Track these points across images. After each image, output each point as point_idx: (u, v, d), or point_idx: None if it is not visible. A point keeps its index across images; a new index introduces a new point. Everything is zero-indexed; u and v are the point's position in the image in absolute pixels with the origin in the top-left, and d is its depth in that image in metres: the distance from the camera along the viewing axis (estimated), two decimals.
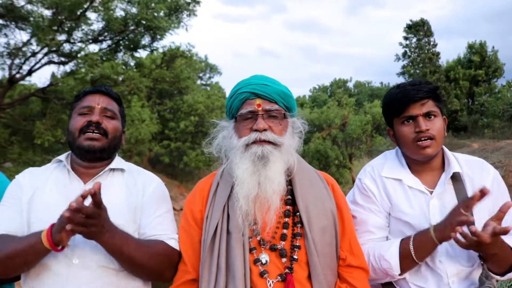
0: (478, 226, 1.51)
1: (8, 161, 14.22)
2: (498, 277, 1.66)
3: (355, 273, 1.62)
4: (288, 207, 1.63)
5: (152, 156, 25.48)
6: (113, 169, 1.78)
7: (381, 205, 1.82)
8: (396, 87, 1.82)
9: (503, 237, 1.54)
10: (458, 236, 1.49)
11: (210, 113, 23.38)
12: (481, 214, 1.63)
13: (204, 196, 1.68)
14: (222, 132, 1.72)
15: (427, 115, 1.73)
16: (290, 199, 1.64)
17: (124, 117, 1.88)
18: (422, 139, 1.71)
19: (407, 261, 1.65)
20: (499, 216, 1.51)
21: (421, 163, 1.80)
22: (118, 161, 1.82)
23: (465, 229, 1.50)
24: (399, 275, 1.68)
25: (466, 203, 1.52)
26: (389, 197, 1.81)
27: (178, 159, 23.93)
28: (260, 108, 1.58)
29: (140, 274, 1.65)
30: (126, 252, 1.53)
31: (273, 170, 1.55)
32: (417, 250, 1.63)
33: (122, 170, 1.80)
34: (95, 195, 1.38)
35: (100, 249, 1.54)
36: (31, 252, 1.48)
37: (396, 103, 1.76)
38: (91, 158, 1.72)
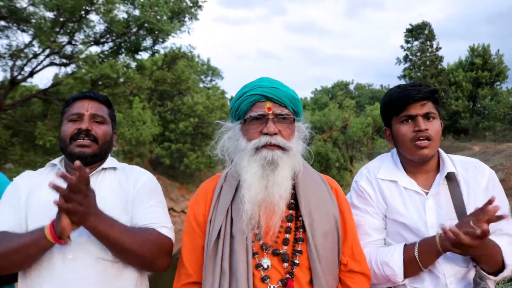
0: None
1: (9, 162, 14.25)
2: (492, 277, 1.65)
3: (357, 278, 1.61)
4: (291, 211, 1.61)
5: (153, 157, 25.51)
6: (105, 168, 1.82)
7: (377, 206, 1.83)
8: (396, 87, 1.85)
9: (491, 236, 1.55)
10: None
11: (209, 113, 23.38)
12: None
13: (207, 199, 1.66)
14: (226, 133, 1.69)
15: (426, 115, 1.75)
16: (293, 203, 1.62)
17: (114, 118, 1.91)
18: (420, 138, 1.72)
19: (411, 268, 1.66)
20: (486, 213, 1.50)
21: (416, 164, 1.81)
22: (110, 161, 1.86)
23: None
24: (402, 281, 1.68)
25: (476, 216, 1.51)
26: (385, 198, 1.82)
27: (179, 161, 23.93)
28: (270, 112, 1.55)
29: (131, 261, 1.65)
30: (113, 237, 1.53)
31: (281, 176, 1.53)
32: (422, 257, 1.63)
33: (114, 168, 1.84)
34: (80, 168, 1.41)
35: (94, 241, 1.57)
36: (34, 246, 1.51)
37: (396, 102, 1.78)
38: (83, 163, 1.75)
